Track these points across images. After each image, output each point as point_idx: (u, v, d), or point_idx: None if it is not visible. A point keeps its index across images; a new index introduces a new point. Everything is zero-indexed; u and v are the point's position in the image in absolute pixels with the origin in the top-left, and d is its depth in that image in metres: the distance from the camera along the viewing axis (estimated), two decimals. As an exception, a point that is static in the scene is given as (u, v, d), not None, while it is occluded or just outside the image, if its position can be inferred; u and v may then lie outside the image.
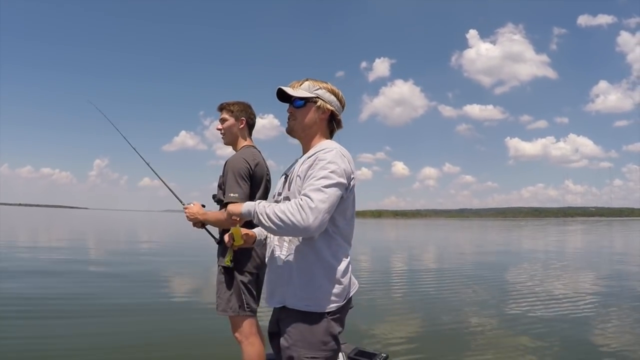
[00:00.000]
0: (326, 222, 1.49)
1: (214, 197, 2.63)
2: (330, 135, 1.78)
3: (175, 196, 2.84)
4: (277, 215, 1.46)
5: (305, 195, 1.48)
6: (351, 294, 1.69)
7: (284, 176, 1.80)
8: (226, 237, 1.77)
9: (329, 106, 1.73)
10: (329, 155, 1.57)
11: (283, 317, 1.66)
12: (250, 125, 2.77)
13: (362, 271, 9.78)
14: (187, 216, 2.61)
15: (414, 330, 4.99)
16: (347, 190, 1.59)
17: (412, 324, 5.31)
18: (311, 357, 1.55)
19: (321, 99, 1.72)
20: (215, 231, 2.71)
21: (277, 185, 1.85)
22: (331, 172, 1.51)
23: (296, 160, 1.79)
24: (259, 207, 1.53)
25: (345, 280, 1.63)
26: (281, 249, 1.67)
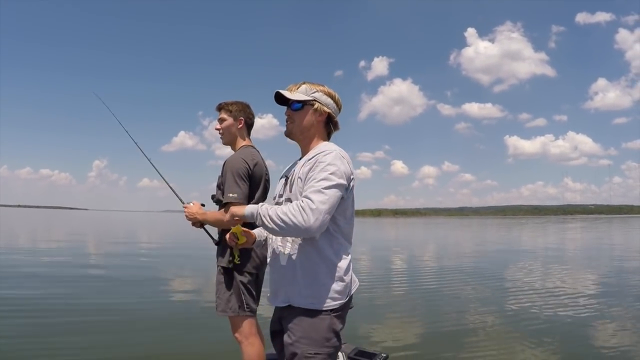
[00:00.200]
0: (327, 223, 1.54)
1: (213, 197, 2.62)
2: (327, 137, 1.83)
3: (176, 194, 2.84)
4: (279, 216, 1.51)
5: (306, 197, 1.53)
6: (352, 292, 1.74)
7: (284, 178, 1.83)
8: (228, 236, 1.79)
9: (325, 108, 1.77)
10: (329, 157, 1.61)
11: (286, 315, 1.70)
12: (249, 125, 2.76)
13: (362, 270, 9.78)
14: (187, 216, 2.61)
15: (414, 330, 4.99)
16: (347, 190, 1.63)
17: (412, 323, 5.31)
18: (314, 353, 1.60)
19: (318, 102, 1.76)
20: (214, 231, 2.71)
21: (276, 187, 1.88)
22: (331, 173, 1.56)
23: (295, 163, 1.83)
24: (262, 209, 1.58)
25: (347, 278, 1.68)
26: (284, 249, 1.70)
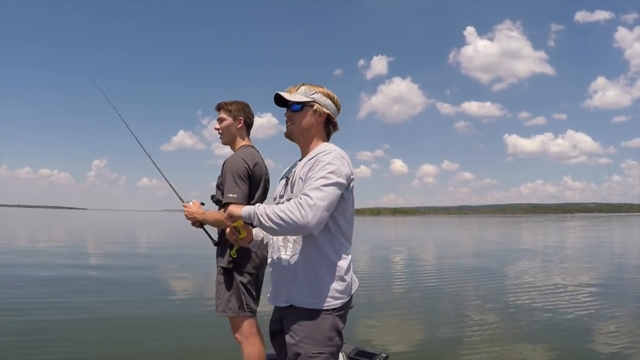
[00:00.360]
0: (325, 220, 1.55)
1: (212, 197, 2.61)
2: (327, 137, 1.84)
3: (175, 193, 2.83)
4: (277, 214, 1.51)
5: (304, 194, 1.54)
6: (353, 291, 1.75)
7: (284, 179, 1.83)
8: (229, 230, 1.78)
9: (325, 109, 1.79)
10: (329, 157, 1.63)
11: (287, 315, 1.70)
12: (249, 125, 2.75)
13: (361, 270, 9.77)
14: (186, 215, 2.60)
15: (414, 330, 4.99)
16: (346, 190, 1.65)
17: (412, 323, 5.31)
18: (318, 353, 1.61)
19: (317, 103, 1.78)
20: (214, 232, 2.70)
21: (277, 188, 1.88)
22: (330, 172, 1.57)
23: (295, 164, 1.84)
24: (259, 209, 1.58)
25: (348, 278, 1.70)
26: (286, 249, 1.71)
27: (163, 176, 2.90)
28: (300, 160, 1.80)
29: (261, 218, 1.55)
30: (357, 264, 10.88)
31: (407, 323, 5.30)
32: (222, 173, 2.56)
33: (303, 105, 1.76)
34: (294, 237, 1.68)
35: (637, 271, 10.02)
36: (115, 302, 6.07)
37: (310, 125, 1.77)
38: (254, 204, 1.72)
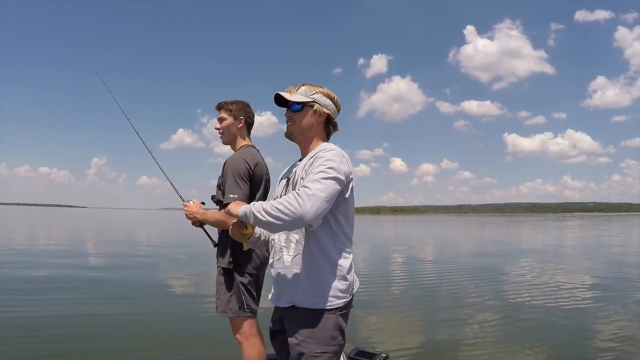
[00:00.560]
0: (323, 212, 1.52)
1: (212, 197, 2.60)
2: (327, 137, 1.84)
3: (176, 191, 2.81)
4: (274, 207, 1.49)
5: (303, 186, 1.53)
6: (354, 290, 1.76)
7: (285, 179, 1.83)
8: (233, 226, 1.76)
9: (325, 110, 1.79)
10: (329, 154, 1.63)
11: (289, 316, 1.70)
12: (249, 125, 2.74)
13: (361, 269, 9.77)
14: (186, 214, 2.59)
15: (414, 330, 4.98)
16: (346, 188, 1.64)
17: (412, 322, 5.31)
18: (321, 352, 1.61)
19: (317, 103, 1.78)
20: (214, 232, 2.69)
21: (277, 189, 1.87)
22: (329, 167, 1.57)
23: (295, 164, 1.84)
24: (255, 206, 1.56)
25: (350, 277, 1.71)
26: (288, 249, 1.71)
27: (164, 174, 2.87)
28: (301, 160, 1.80)
29: (257, 214, 1.52)
30: (357, 263, 10.78)
31: (407, 323, 5.30)
32: (222, 173, 2.55)
33: (303, 105, 1.76)
34: (297, 237, 1.68)
35: (637, 271, 10.02)
36: (115, 301, 6.06)
37: (310, 125, 1.77)
38: None
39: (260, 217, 1.51)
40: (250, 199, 2.47)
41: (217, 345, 3.95)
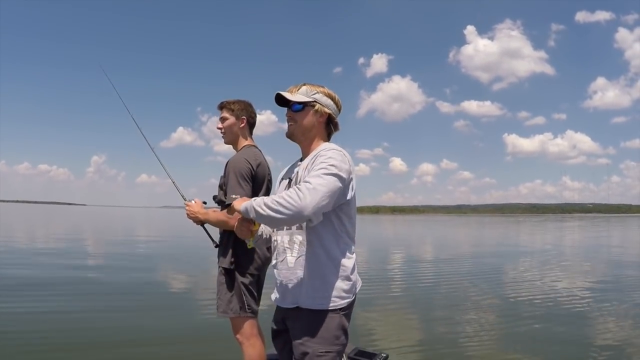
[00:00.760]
0: (324, 208, 1.52)
1: (214, 197, 2.58)
2: (328, 137, 1.84)
3: (178, 190, 2.79)
4: (275, 201, 1.49)
5: (304, 181, 1.53)
6: (357, 290, 1.77)
7: (286, 180, 1.82)
8: (239, 223, 1.72)
9: (326, 109, 1.79)
10: (330, 152, 1.63)
11: (293, 316, 1.71)
12: (251, 125, 2.73)
13: (361, 269, 9.73)
14: (188, 214, 2.58)
15: (414, 329, 4.99)
16: (348, 187, 1.64)
17: (412, 322, 5.31)
18: (325, 352, 1.62)
19: (319, 103, 1.77)
20: (215, 232, 2.68)
21: (277, 190, 1.86)
22: (331, 165, 1.57)
23: (295, 164, 1.85)
24: (256, 201, 1.56)
25: (353, 277, 1.72)
26: (292, 251, 1.71)
27: (166, 171, 2.85)
28: (302, 160, 1.80)
29: (258, 208, 1.51)
30: (357, 262, 10.85)
31: (407, 322, 5.30)
32: (225, 173, 2.54)
33: (304, 105, 1.75)
34: (300, 238, 1.68)
35: (636, 272, 10.02)
36: (114, 301, 6.06)
37: (311, 125, 1.77)
38: None
39: (261, 211, 1.50)
40: (252, 199, 2.46)
41: (218, 345, 3.94)
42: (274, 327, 1.83)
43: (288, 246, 1.72)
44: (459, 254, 14.46)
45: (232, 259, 2.49)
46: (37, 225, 27.50)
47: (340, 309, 1.66)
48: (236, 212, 1.65)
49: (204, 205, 2.61)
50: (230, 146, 2.74)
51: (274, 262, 1.80)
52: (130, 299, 6.15)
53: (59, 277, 7.78)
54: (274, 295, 1.82)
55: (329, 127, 1.82)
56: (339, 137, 1.87)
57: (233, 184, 2.42)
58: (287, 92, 1.79)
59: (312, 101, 1.76)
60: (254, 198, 1.60)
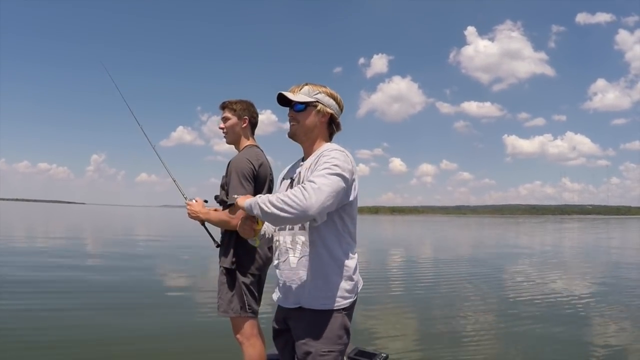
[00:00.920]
0: (328, 208, 1.52)
1: (216, 197, 2.59)
2: (330, 137, 1.84)
3: (179, 189, 2.78)
4: (280, 199, 1.48)
5: (309, 180, 1.53)
6: (359, 290, 1.78)
7: (288, 180, 1.82)
8: (243, 222, 1.72)
9: (328, 109, 1.78)
10: (333, 152, 1.64)
11: (295, 316, 1.72)
12: (253, 125, 2.72)
13: (361, 269, 9.71)
14: (189, 213, 2.57)
15: (414, 330, 4.99)
16: (351, 188, 1.65)
17: (412, 322, 5.31)
18: (328, 351, 1.63)
19: (321, 103, 1.77)
20: (216, 232, 2.67)
21: (279, 190, 1.85)
22: (334, 165, 1.57)
23: (297, 164, 1.84)
24: (261, 198, 1.55)
25: (355, 277, 1.74)
26: (294, 251, 1.71)
27: (167, 170, 2.83)
28: (304, 160, 1.80)
29: (262, 205, 1.50)
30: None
31: (407, 322, 5.30)
32: (227, 173, 2.53)
33: (306, 105, 1.75)
34: (303, 238, 1.68)
35: (636, 272, 10.02)
36: (113, 299, 6.05)
37: (313, 125, 1.77)
38: None
39: (266, 208, 1.49)
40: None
41: (218, 345, 3.94)
42: (275, 326, 1.84)
43: (290, 246, 1.72)
44: (458, 254, 14.46)
45: (234, 259, 2.49)
46: (36, 224, 27.49)
47: (343, 308, 1.67)
48: (239, 212, 1.65)
49: (205, 204, 2.60)
50: (232, 146, 2.73)
51: (275, 262, 1.80)
52: (130, 298, 6.15)
53: (58, 276, 7.78)
54: (276, 295, 1.82)
55: (331, 127, 1.82)
56: (339, 137, 1.87)
57: (235, 184, 2.42)
58: (289, 91, 1.78)
59: (315, 101, 1.76)
60: (258, 195, 1.60)
